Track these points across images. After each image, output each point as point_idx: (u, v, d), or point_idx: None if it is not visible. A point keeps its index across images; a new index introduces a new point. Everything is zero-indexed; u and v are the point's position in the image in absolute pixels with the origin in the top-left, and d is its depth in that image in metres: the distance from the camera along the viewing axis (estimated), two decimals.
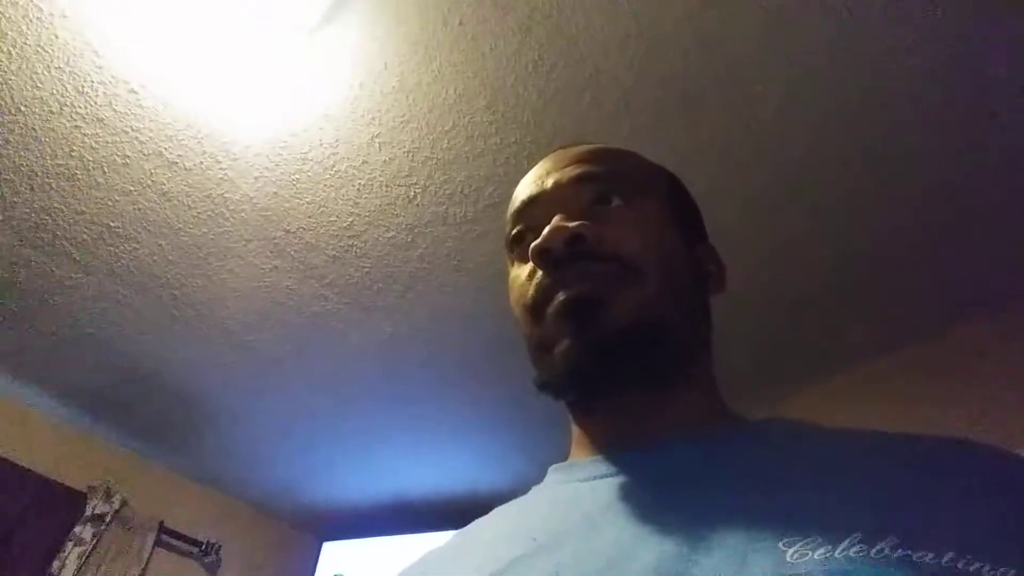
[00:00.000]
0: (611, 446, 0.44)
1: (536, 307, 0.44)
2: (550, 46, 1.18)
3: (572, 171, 0.48)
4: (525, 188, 0.51)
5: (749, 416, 0.47)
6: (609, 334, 0.40)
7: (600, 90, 1.24)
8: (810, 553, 0.28)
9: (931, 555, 0.26)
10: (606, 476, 0.41)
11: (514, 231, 0.50)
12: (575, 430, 0.49)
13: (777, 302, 1.68)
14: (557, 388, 0.44)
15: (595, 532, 0.36)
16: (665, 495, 0.37)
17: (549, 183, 0.48)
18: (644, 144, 1.32)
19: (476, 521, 0.48)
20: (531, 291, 0.45)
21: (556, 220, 0.43)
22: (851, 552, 0.27)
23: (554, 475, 0.47)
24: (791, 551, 0.28)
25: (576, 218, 0.44)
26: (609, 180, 0.47)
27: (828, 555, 0.27)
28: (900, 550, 0.27)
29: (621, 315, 0.40)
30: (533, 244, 0.43)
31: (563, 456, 0.49)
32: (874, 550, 0.27)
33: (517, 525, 0.42)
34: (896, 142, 1.29)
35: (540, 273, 0.44)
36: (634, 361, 0.41)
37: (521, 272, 0.47)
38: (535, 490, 0.48)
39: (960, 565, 0.26)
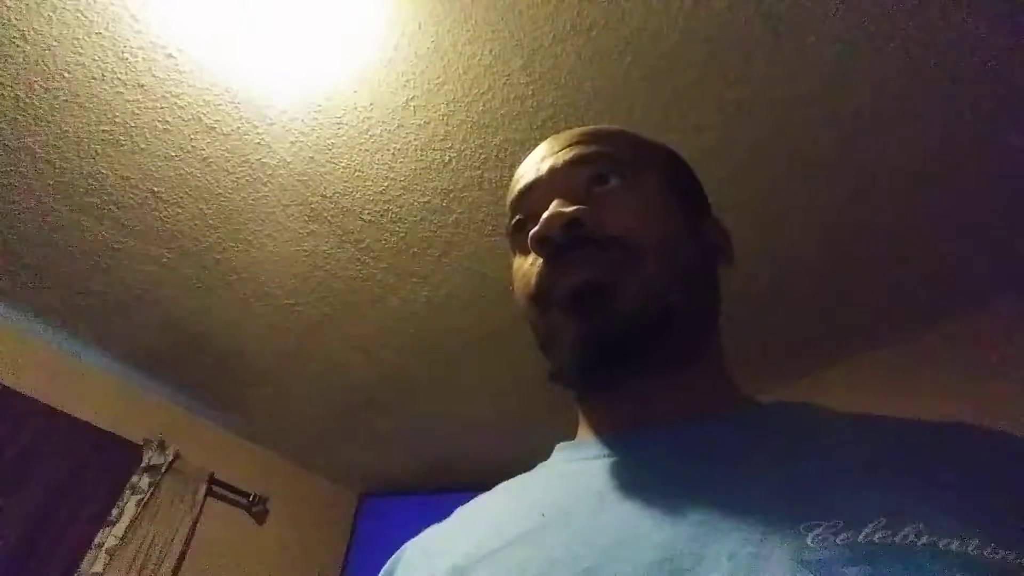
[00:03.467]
0: (620, 426, 0.43)
1: (540, 297, 0.44)
2: (589, 4, 1.13)
3: (567, 154, 0.47)
4: (522, 176, 0.50)
5: (760, 397, 0.46)
6: (614, 323, 0.39)
7: (642, 49, 1.18)
8: (832, 538, 0.27)
9: (957, 542, 0.26)
10: (616, 455, 0.41)
11: (514, 220, 0.49)
12: (582, 410, 0.49)
13: (820, 267, 1.63)
14: (567, 379, 0.44)
15: (605, 510, 0.36)
16: (677, 475, 0.37)
17: (545, 168, 0.48)
18: (687, 105, 1.27)
19: (479, 497, 0.49)
20: (533, 281, 0.44)
21: (554, 206, 0.42)
22: (875, 538, 0.27)
23: (561, 453, 0.47)
24: (812, 535, 0.28)
25: (574, 202, 0.43)
26: (605, 160, 0.46)
27: (851, 540, 0.27)
28: (926, 537, 0.26)
29: (625, 302, 0.39)
30: (532, 232, 0.42)
31: None
32: (899, 536, 0.26)
33: (524, 501, 0.42)
34: (964, 101, 1.20)
35: (541, 262, 0.43)
36: (641, 348, 0.40)
37: (523, 262, 0.47)
38: (541, 467, 0.48)
39: (987, 553, 0.25)
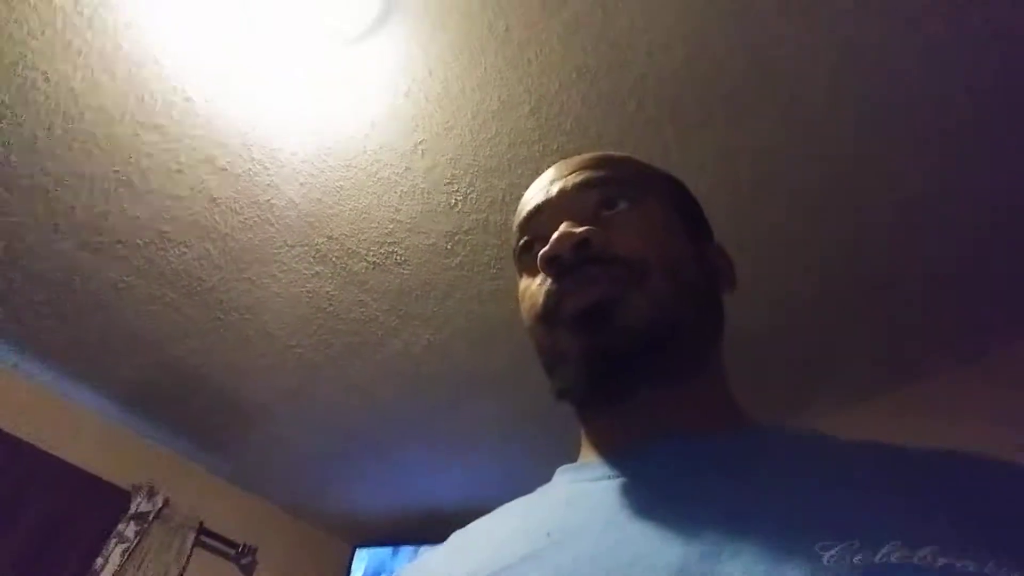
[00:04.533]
0: (625, 446, 0.43)
1: (547, 315, 0.44)
2: (595, 52, 1.18)
3: (576, 178, 0.48)
4: (530, 198, 0.51)
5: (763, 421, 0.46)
6: (620, 339, 0.40)
7: (645, 95, 1.23)
8: (848, 558, 0.27)
9: (973, 564, 0.25)
10: (621, 475, 0.40)
11: (521, 242, 0.50)
12: (585, 432, 0.48)
13: (823, 307, 1.63)
14: (572, 396, 0.44)
15: (613, 529, 0.35)
16: (686, 494, 0.36)
17: (554, 191, 0.49)
18: (689, 147, 1.31)
19: (478, 520, 0.48)
20: (541, 300, 0.44)
21: (563, 227, 0.43)
22: (892, 558, 0.26)
23: (564, 475, 0.47)
24: (827, 555, 0.27)
25: (582, 224, 0.44)
26: (613, 184, 0.48)
27: (867, 561, 0.26)
28: (942, 559, 0.26)
29: (631, 319, 0.40)
30: (541, 252, 0.43)
31: None
32: (916, 557, 0.26)
33: (527, 522, 0.41)
34: (950, 140, 1.24)
35: (549, 281, 0.44)
36: (647, 364, 0.40)
37: (531, 283, 0.47)
38: (542, 490, 0.47)
39: (1003, 574, 0.25)
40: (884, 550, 0.27)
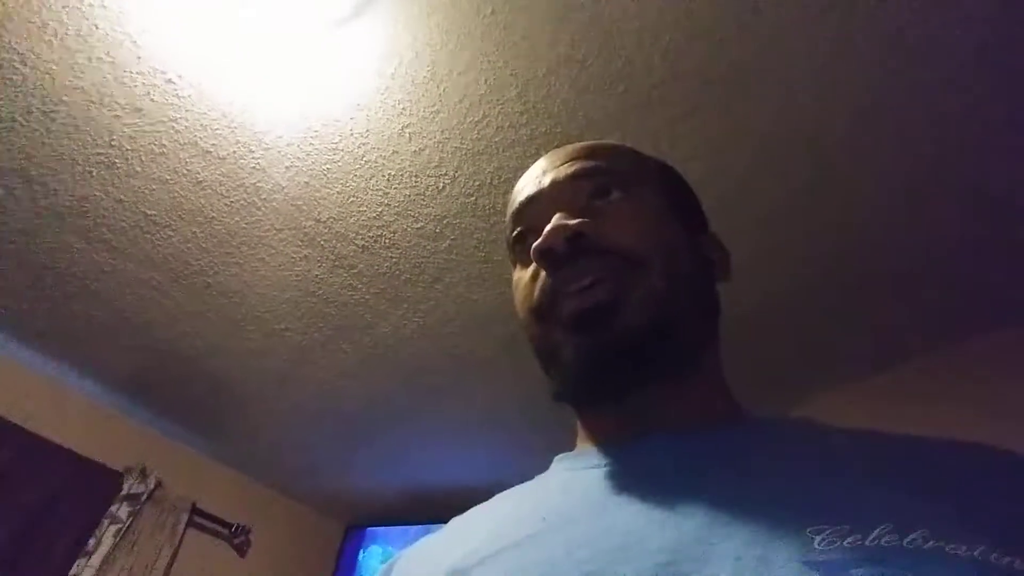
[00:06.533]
0: (621, 436, 0.44)
1: (542, 310, 0.44)
2: (583, 36, 1.16)
3: (568, 168, 0.48)
4: (523, 189, 0.51)
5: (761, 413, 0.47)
6: (618, 336, 0.40)
7: (634, 80, 1.22)
8: (839, 541, 0.27)
9: (964, 547, 0.26)
10: (617, 464, 0.41)
11: (515, 233, 0.50)
12: (582, 422, 0.49)
13: (814, 298, 1.65)
14: (570, 397, 0.44)
15: (607, 514, 0.36)
16: (680, 482, 0.37)
17: (546, 181, 0.48)
18: (678, 135, 1.30)
19: (476, 507, 0.49)
20: (536, 294, 0.44)
21: (556, 219, 0.43)
22: (882, 541, 0.27)
23: (560, 463, 0.47)
24: (819, 538, 0.28)
25: (576, 215, 0.44)
26: (606, 173, 0.47)
27: (858, 543, 0.27)
28: (932, 541, 0.26)
29: (630, 316, 0.40)
30: (534, 245, 0.43)
31: None
32: (906, 540, 0.27)
33: (523, 507, 0.42)
34: (943, 132, 1.24)
35: (543, 274, 0.44)
36: (644, 359, 0.40)
37: (524, 274, 0.47)
38: (539, 478, 0.48)
39: (992, 558, 0.26)
40: (874, 533, 0.27)
